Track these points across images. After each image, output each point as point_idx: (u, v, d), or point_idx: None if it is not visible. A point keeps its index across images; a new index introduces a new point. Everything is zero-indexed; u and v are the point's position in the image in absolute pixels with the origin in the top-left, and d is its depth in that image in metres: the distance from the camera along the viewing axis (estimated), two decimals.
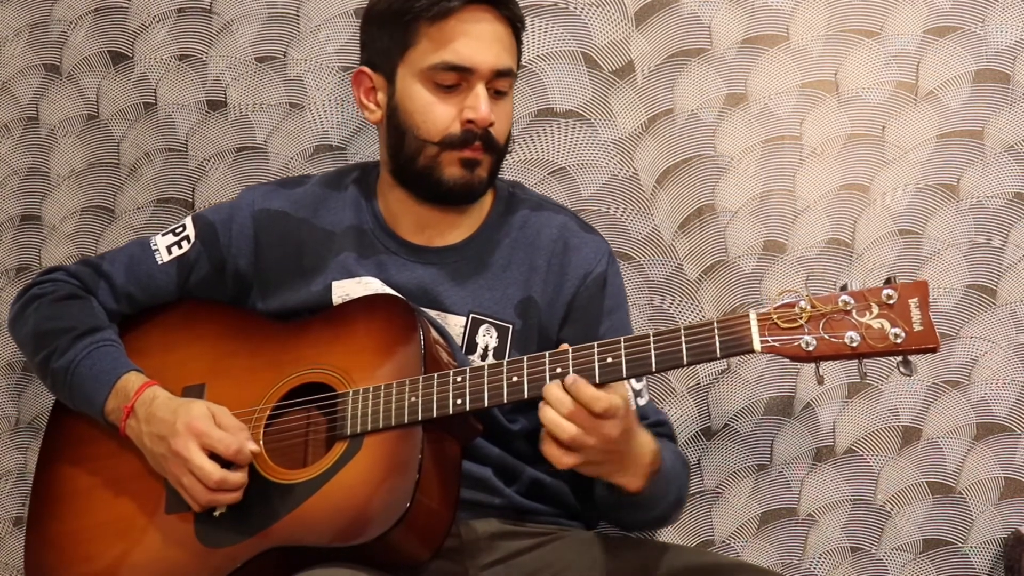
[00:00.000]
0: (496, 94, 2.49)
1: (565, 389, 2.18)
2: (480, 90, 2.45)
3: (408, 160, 2.52)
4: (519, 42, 2.55)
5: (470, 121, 2.45)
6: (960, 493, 3.01)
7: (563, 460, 2.21)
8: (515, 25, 2.52)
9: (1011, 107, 2.96)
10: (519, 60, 2.56)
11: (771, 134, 2.98)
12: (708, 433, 3.02)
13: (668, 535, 3.01)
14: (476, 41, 2.45)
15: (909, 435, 3.01)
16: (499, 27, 2.49)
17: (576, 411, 2.17)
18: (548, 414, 2.18)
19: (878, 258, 2.98)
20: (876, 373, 2.97)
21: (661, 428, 2.57)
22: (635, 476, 2.31)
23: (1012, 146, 2.97)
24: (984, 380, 3.00)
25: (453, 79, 2.46)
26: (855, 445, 3.01)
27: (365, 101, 2.58)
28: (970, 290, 2.99)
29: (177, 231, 2.64)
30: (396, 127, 2.52)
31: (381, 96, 2.55)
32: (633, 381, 2.52)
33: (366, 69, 2.57)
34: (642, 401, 2.55)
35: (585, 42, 2.98)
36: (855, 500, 3.01)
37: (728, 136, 2.98)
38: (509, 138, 2.56)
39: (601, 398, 2.16)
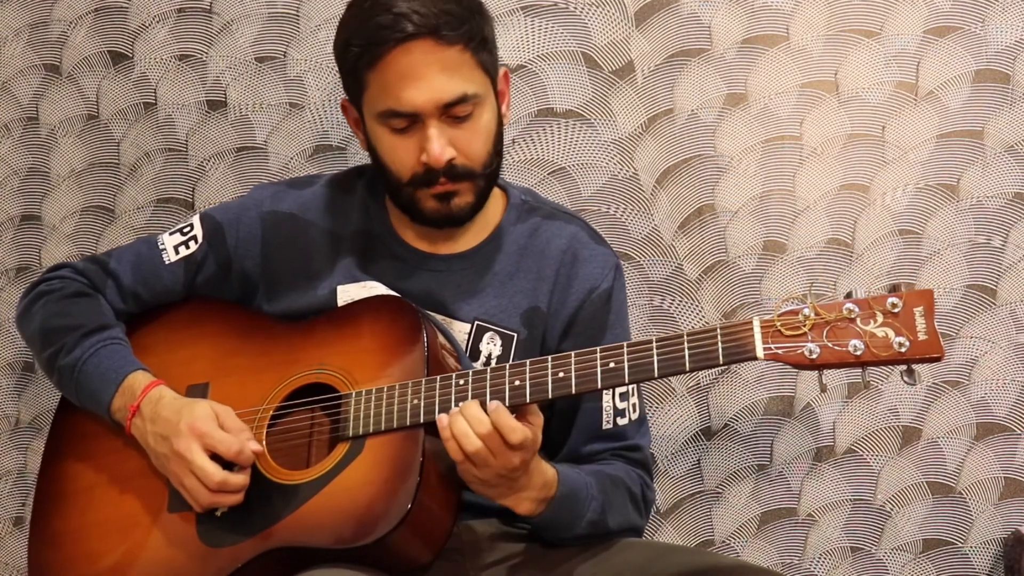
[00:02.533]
0: (457, 119, 2.42)
1: (488, 412, 2.20)
2: (432, 130, 2.39)
3: (392, 193, 2.52)
4: (483, 53, 2.44)
5: (426, 163, 2.42)
6: (960, 493, 3.02)
7: (462, 467, 2.24)
8: (468, 40, 2.41)
9: (1011, 107, 2.97)
10: (489, 68, 2.46)
11: (771, 134, 2.98)
12: (708, 433, 3.02)
13: (668, 535, 3.02)
14: (415, 82, 2.37)
15: (909, 435, 3.01)
16: (441, 56, 2.38)
17: (490, 435, 2.18)
18: (461, 425, 2.19)
19: (878, 258, 2.99)
20: (877, 373, 2.98)
21: (633, 453, 2.56)
22: (525, 501, 2.32)
23: (1012, 146, 2.98)
24: (984, 380, 3.01)
25: (403, 123, 2.41)
26: (855, 445, 3.02)
27: (355, 130, 2.58)
28: (970, 290, 3.00)
29: (184, 230, 2.63)
30: (375, 162, 2.52)
31: (363, 127, 2.54)
32: (617, 400, 2.52)
33: (347, 101, 2.56)
34: (622, 421, 2.53)
35: (585, 42, 2.97)
36: (855, 500, 3.03)
37: (728, 136, 2.98)
38: (492, 154, 2.48)
39: (517, 430, 2.18)
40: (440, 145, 2.40)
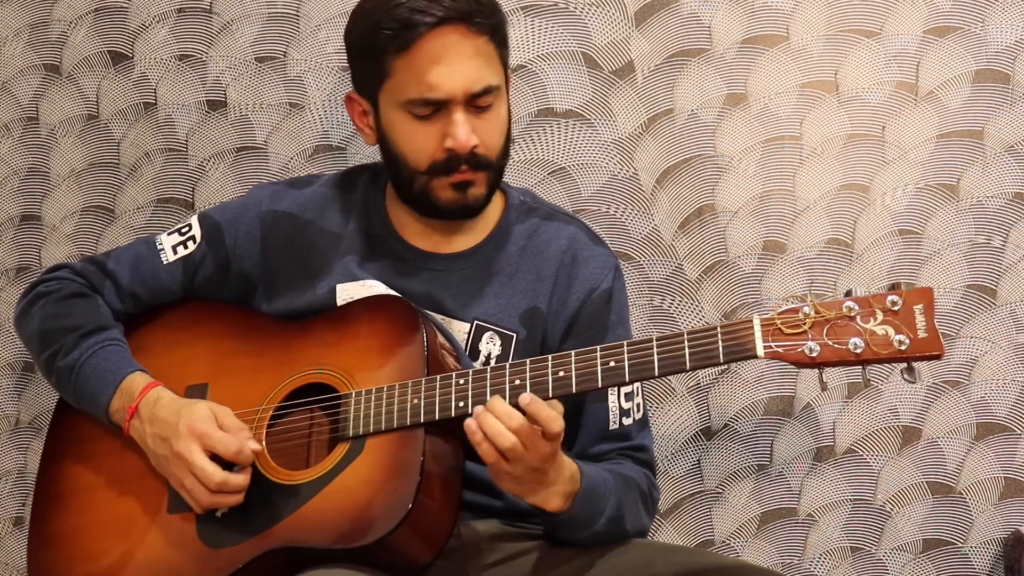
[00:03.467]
0: (479, 109, 2.44)
1: (521, 407, 2.18)
2: (458, 116, 2.41)
3: (404, 185, 2.52)
4: (503, 48, 2.49)
5: (451, 148, 2.43)
6: (960, 493, 3.02)
7: (496, 467, 2.22)
8: (493, 32, 2.45)
9: (1011, 107, 2.97)
10: (506, 64, 2.50)
11: (771, 134, 2.98)
12: (708, 433, 3.02)
13: (668, 535, 3.02)
14: (446, 67, 2.39)
15: (909, 435, 3.01)
16: (472, 43, 2.41)
17: (521, 427, 2.17)
18: (492, 424, 2.18)
19: (878, 258, 2.99)
20: (877, 373, 2.98)
21: (639, 453, 2.56)
22: (555, 496, 2.30)
23: (1012, 146, 2.98)
24: (984, 380, 3.01)
25: (428, 110, 2.42)
26: (855, 445, 3.02)
27: (360, 125, 2.58)
28: (970, 290, 3.00)
29: (183, 230, 2.63)
30: (388, 153, 2.52)
31: (372, 120, 2.54)
32: (623, 400, 2.53)
33: (355, 94, 2.56)
34: (627, 421, 2.54)
35: (585, 42, 2.97)
36: (855, 500, 3.02)
37: (728, 136, 2.98)
38: (506, 147, 2.51)
39: (557, 419, 2.18)
40: (467, 131, 2.41)
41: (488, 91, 2.43)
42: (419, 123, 2.44)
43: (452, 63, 2.39)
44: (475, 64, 2.41)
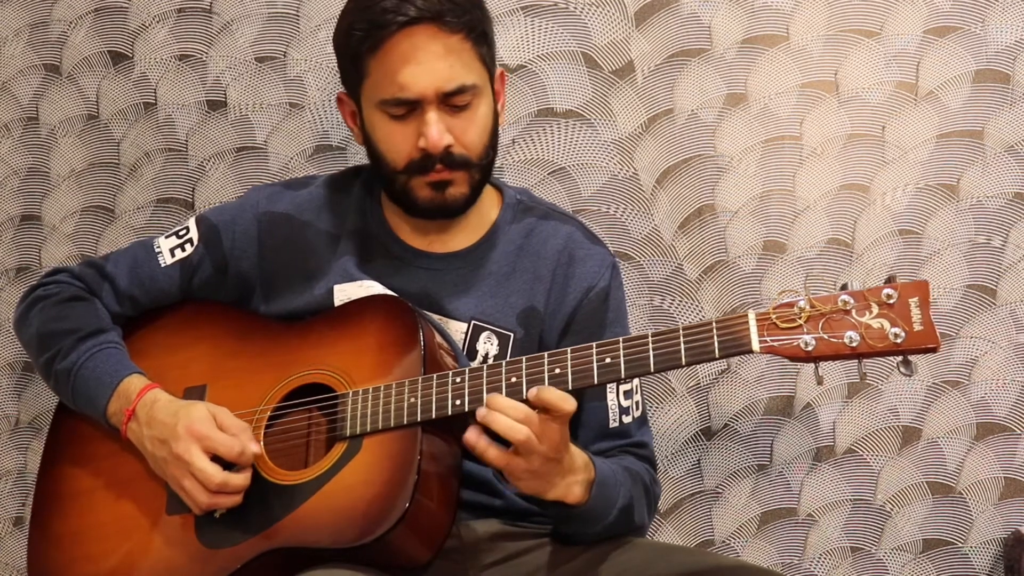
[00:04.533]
0: (456, 108, 2.44)
1: (531, 401, 2.17)
2: (430, 116, 2.41)
3: (387, 183, 2.53)
4: (482, 45, 2.47)
5: (424, 148, 2.43)
6: (960, 493, 3.01)
7: (510, 466, 2.21)
8: (469, 30, 2.44)
9: (1011, 107, 2.97)
10: (488, 62, 2.49)
11: (771, 134, 2.98)
12: (708, 433, 3.02)
13: (668, 535, 3.02)
14: (416, 67, 2.40)
15: (909, 435, 3.01)
16: (443, 42, 2.41)
17: (529, 416, 2.17)
18: (500, 420, 2.17)
19: (878, 258, 2.98)
20: (876, 373, 2.98)
21: (640, 450, 2.56)
22: (575, 485, 2.30)
23: (1012, 146, 2.97)
24: (984, 380, 3.00)
25: (403, 110, 2.43)
26: (855, 445, 3.01)
27: (350, 124, 2.59)
28: (970, 290, 2.99)
29: (180, 233, 2.63)
30: (371, 153, 2.53)
31: (359, 120, 2.55)
32: (622, 398, 2.52)
33: (344, 94, 2.58)
34: (627, 419, 2.54)
35: (585, 42, 2.98)
36: (855, 500, 3.02)
37: (728, 136, 2.98)
38: (489, 146, 2.50)
39: (569, 399, 2.17)
40: (439, 130, 2.41)
41: (463, 90, 2.42)
42: (395, 123, 2.45)
43: (422, 62, 2.40)
44: (447, 63, 2.41)
